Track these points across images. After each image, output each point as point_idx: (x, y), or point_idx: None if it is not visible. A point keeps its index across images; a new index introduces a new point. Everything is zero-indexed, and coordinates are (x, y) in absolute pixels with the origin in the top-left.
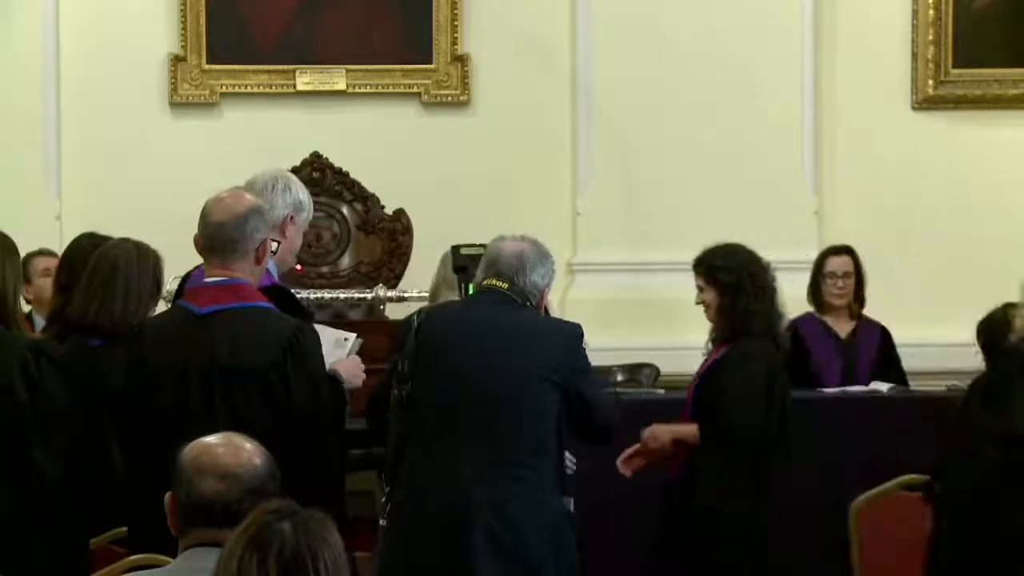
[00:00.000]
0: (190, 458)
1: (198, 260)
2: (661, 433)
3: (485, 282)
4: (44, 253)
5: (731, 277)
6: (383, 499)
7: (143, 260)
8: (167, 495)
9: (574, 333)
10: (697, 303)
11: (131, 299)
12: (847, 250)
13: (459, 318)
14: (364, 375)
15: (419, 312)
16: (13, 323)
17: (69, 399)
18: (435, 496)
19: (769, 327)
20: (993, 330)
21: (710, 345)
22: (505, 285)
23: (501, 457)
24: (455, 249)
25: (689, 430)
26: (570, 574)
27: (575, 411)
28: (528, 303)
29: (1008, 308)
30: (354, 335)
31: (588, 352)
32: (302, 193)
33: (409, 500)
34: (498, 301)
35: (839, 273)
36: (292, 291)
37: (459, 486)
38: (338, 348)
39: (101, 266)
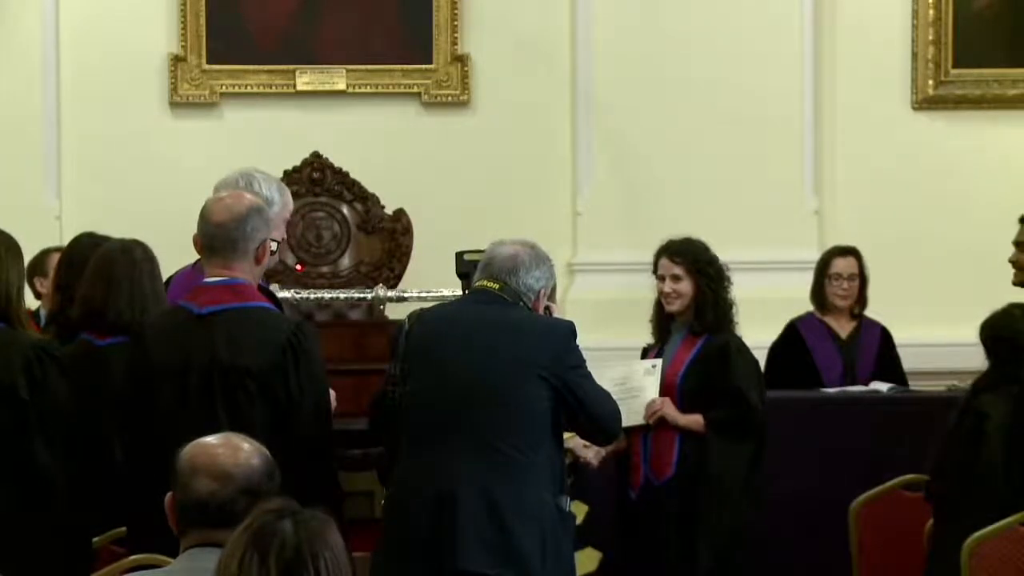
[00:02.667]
0: (187, 458)
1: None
2: (670, 411)
3: (477, 283)
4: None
5: (714, 270)
6: (383, 502)
7: (153, 264)
8: (168, 495)
9: (564, 329)
10: (667, 291)
11: (151, 301)
12: (852, 251)
13: (448, 317)
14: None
15: (411, 316)
16: (17, 323)
17: (72, 399)
18: (425, 493)
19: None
20: (997, 328)
21: (669, 337)
22: (496, 286)
23: (490, 454)
24: (459, 255)
25: (694, 419)
26: (562, 573)
27: (570, 409)
28: (520, 303)
29: (1015, 308)
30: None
31: (588, 352)
32: (267, 188)
33: (400, 498)
34: (488, 300)
35: (845, 275)
36: (270, 289)
37: (448, 484)
38: None
39: (115, 267)
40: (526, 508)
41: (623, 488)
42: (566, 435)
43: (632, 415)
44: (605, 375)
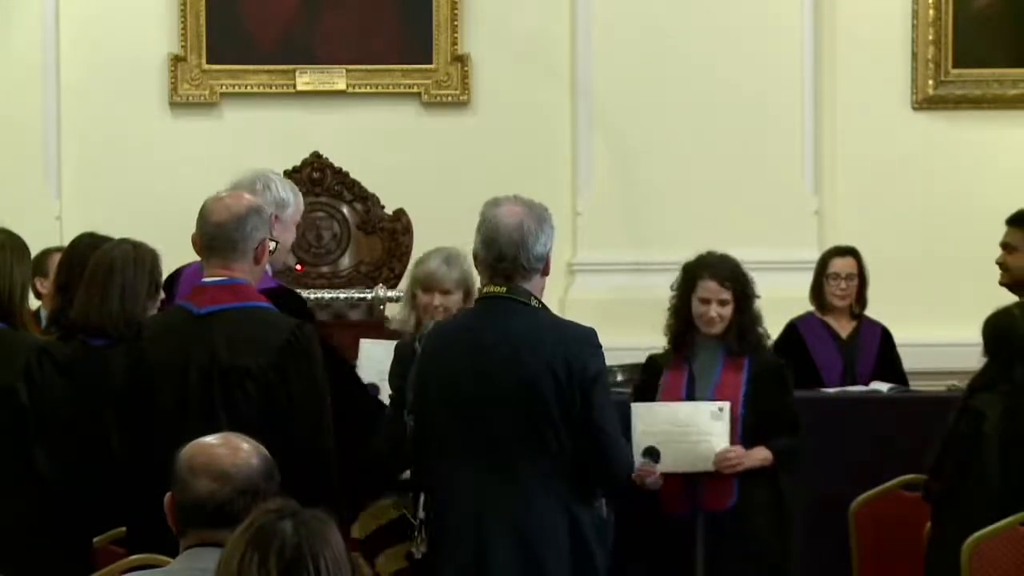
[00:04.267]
0: (186, 458)
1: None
2: (749, 462)
3: (484, 289)
4: (62, 250)
5: (751, 290)
6: (415, 532)
7: (140, 260)
8: (167, 495)
9: (584, 337)
10: (712, 315)
11: (128, 299)
12: (851, 251)
13: (459, 335)
14: None
15: (419, 338)
16: (19, 323)
17: (71, 400)
18: (453, 517)
19: None
20: (996, 327)
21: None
22: (503, 289)
23: (520, 469)
24: None
25: (762, 456)
26: None
27: (579, 433)
28: (532, 298)
29: (1016, 308)
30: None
31: None
32: (283, 190)
33: (434, 525)
34: (498, 309)
35: (843, 275)
36: (296, 292)
37: (474, 503)
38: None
39: (99, 267)
40: (554, 522)
41: (655, 505)
42: None
43: (699, 461)
44: (668, 416)
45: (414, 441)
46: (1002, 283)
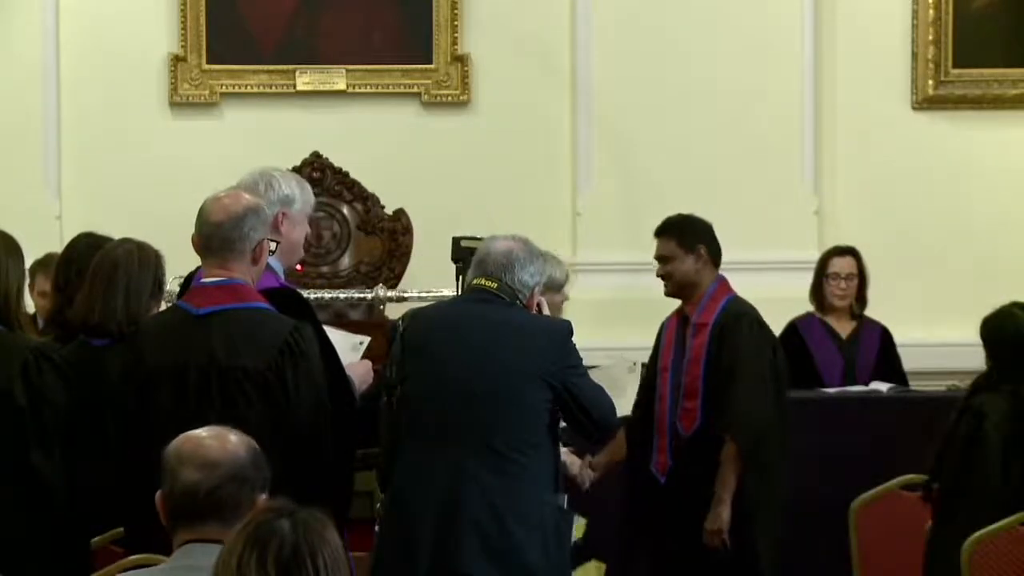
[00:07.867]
0: (173, 450)
1: (198, 260)
2: None
3: (474, 281)
4: None
5: None
6: (378, 504)
7: (144, 259)
8: (158, 493)
9: (563, 331)
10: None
11: (132, 298)
12: (851, 251)
13: (445, 317)
14: (372, 376)
15: (404, 316)
16: (15, 325)
17: (69, 402)
18: (425, 495)
19: None
20: (997, 328)
21: None
22: (494, 284)
23: (490, 455)
24: (455, 241)
25: None
26: (564, 571)
27: (569, 410)
28: (517, 301)
29: (1015, 306)
30: (367, 338)
31: (588, 352)
32: (287, 187)
33: (401, 501)
34: (485, 299)
35: (843, 274)
36: (299, 293)
37: (450, 488)
38: (354, 352)
39: (102, 266)
40: (528, 512)
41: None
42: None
43: None
44: None
45: (392, 418)
46: (667, 294)
